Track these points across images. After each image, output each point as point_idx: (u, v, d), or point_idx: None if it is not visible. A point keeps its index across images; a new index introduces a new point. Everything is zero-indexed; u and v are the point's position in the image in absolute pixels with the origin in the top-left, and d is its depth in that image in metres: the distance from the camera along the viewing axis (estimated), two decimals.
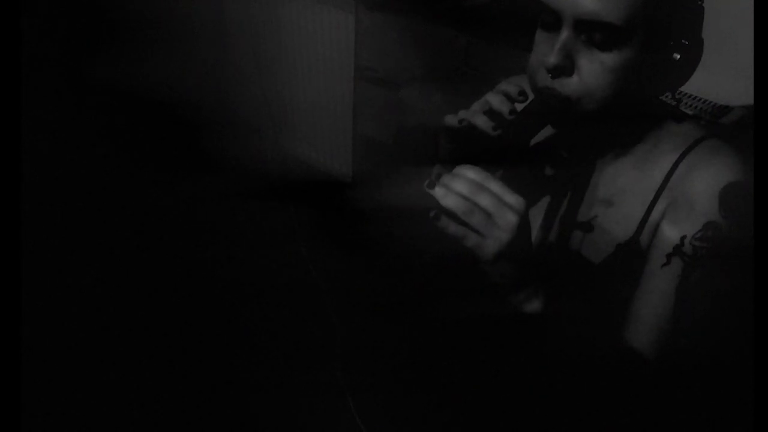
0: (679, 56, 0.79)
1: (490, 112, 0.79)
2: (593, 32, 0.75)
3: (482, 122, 0.79)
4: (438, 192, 0.70)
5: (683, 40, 0.79)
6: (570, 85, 0.78)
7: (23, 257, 0.76)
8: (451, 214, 0.70)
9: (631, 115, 0.81)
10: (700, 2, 0.81)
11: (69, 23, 1.93)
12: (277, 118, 2.45)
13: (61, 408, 1.43)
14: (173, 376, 1.54)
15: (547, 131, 0.86)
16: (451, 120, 0.81)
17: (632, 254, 0.84)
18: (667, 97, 0.88)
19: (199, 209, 1.93)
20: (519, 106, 0.80)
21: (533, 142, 0.86)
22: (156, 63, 1.99)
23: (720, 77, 1.21)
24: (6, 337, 0.72)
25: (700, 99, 1.41)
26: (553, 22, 0.78)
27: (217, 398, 1.51)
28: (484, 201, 0.70)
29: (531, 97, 0.82)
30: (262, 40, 2.30)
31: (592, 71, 0.77)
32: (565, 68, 0.77)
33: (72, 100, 1.88)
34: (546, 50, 0.79)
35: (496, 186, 0.71)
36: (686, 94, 1.42)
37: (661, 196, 0.83)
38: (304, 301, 1.75)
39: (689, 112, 1.38)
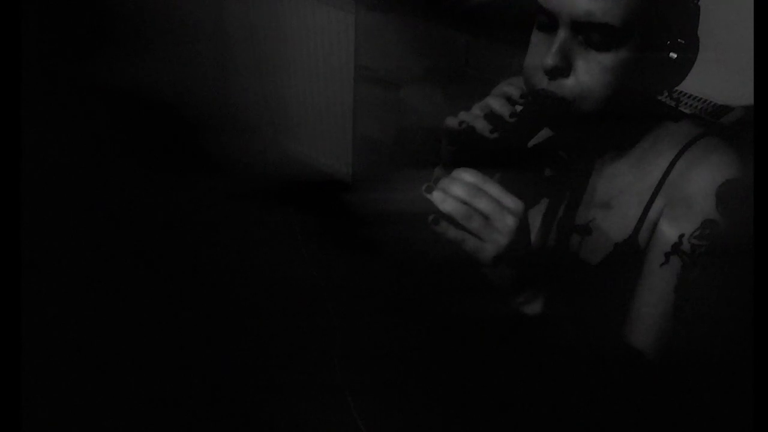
0: (675, 55, 0.79)
1: (491, 116, 0.79)
2: (590, 33, 0.75)
3: (482, 125, 0.78)
4: (436, 196, 0.70)
5: (680, 39, 0.79)
6: (567, 86, 0.78)
7: (23, 257, 0.76)
8: (449, 219, 0.70)
9: (630, 115, 0.81)
10: (696, 1, 0.81)
11: (68, 23, 1.93)
12: (277, 118, 2.45)
13: (62, 408, 1.43)
14: (174, 376, 1.54)
15: (545, 132, 0.86)
16: (451, 122, 0.80)
17: (630, 254, 0.84)
18: (665, 97, 0.87)
19: (199, 209, 1.93)
20: (519, 109, 0.80)
21: (532, 143, 0.86)
22: (156, 63, 2.00)
23: (719, 77, 1.21)
24: (6, 337, 0.72)
25: (700, 99, 1.41)
26: (550, 23, 0.78)
27: (217, 398, 1.52)
28: (483, 205, 0.69)
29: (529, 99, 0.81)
30: (262, 40, 2.30)
31: (590, 72, 0.77)
32: (562, 69, 0.77)
33: (72, 100, 1.89)
34: (543, 51, 0.78)
35: (494, 189, 0.70)
36: (686, 93, 1.42)
37: (658, 194, 0.83)
38: (304, 301, 1.75)
39: (688, 112, 1.38)
